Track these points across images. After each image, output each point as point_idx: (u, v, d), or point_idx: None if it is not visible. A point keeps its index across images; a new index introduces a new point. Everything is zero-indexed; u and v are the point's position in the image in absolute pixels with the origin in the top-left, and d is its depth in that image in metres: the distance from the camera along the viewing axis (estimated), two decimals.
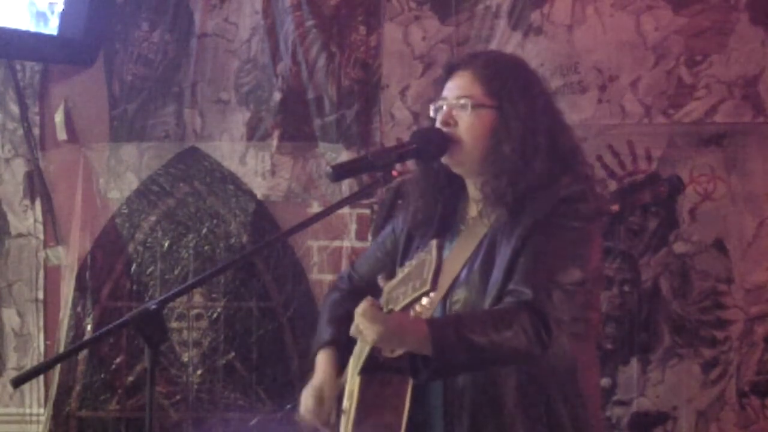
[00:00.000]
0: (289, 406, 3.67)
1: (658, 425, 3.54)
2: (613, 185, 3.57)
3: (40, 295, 4.04)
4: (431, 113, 2.47)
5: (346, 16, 3.79)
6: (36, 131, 4.04)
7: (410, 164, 2.60)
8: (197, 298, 3.92)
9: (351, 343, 2.40)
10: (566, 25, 3.63)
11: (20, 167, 4.06)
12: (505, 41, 3.64)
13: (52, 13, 3.89)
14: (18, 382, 2.18)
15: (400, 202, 3.52)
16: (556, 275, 2.25)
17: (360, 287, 2.58)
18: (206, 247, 3.92)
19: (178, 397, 3.90)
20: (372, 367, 2.27)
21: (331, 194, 3.79)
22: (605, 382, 3.51)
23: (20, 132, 4.04)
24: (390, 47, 3.77)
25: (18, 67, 4.03)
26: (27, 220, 4.06)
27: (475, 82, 2.40)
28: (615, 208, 3.53)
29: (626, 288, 3.57)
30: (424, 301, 2.02)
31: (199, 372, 3.89)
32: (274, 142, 3.86)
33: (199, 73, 3.93)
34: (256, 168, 3.89)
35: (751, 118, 3.51)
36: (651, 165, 3.57)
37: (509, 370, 2.30)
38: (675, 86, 3.56)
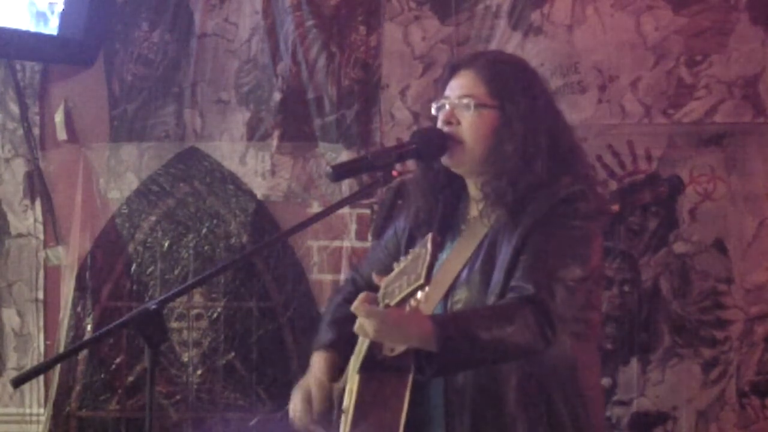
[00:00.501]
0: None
1: (658, 425, 3.54)
2: (613, 185, 3.57)
3: (40, 295, 4.04)
4: (433, 112, 2.48)
5: (346, 16, 3.79)
6: (36, 131, 4.04)
7: (410, 164, 2.61)
8: (197, 298, 3.92)
9: (352, 345, 2.40)
10: (566, 25, 3.63)
11: (20, 167, 4.06)
12: (505, 41, 3.64)
13: (52, 13, 3.89)
14: (18, 382, 2.18)
15: (400, 202, 3.53)
16: (558, 272, 2.25)
17: (363, 290, 2.58)
18: (206, 247, 3.92)
19: (178, 397, 3.90)
20: (370, 366, 2.27)
21: (331, 194, 3.79)
22: (605, 382, 3.50)
23: (20, 132, 4.04)
24: (390, 47, 3.77)
25: (18, 67, 4.02)
26: (27, 220, 4.06)
27: (477, 82, 2.41)
28: (615, 208, 3.53)
29: (626, 288, 3.57)
30: (419, 295, 2.01)
31: (199, 372, 3.89)
32: (274, 142, 3.86)
33: (199, 73, 3.93)
34: (256, 168, 3.89)
35: (751, 118, 3.51)
36: (651, 165, 3.57)
37: (510, 369, 2.31)
38: (675, 86, 3.56)
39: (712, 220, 3.53)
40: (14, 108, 4.04)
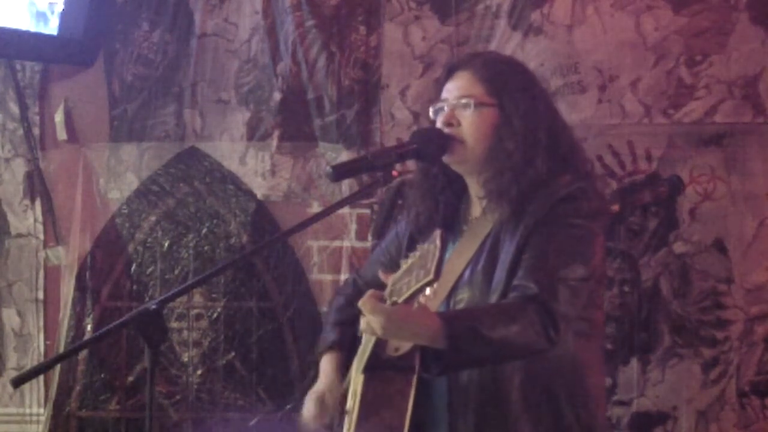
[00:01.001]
0: (289, 406, 3.67)
1: (658, 425, 3.54)
2: (613, 185, 3.57)
3: (40, 295, 4.04)
4: (431, 115, 2.48)
5: (346, 16, 3.79)
6: (36, 131, 4.04)
7: (410, 164, 2.61)
8: (197, 298, 3.92)
9: (356, 345, 2.39)
10: (566, 25, 3.63)
11: (20, 167, 4.06)
12: (505, 41, 3.64)
13: (52, 13, 3.89)
14: (18, 382, 2.18)
15: (400, 202, 3.53)
16: (560, 271, 2.26)
17: (365, 292, 2.58)
18: (206, 247, 3.92)
19: (178, 397, 3.90)
20: (375, 365, 2.26)
21: (331, 194, 3.79)
22: (605, 382, 3.50)
23: (20, 132, 4.04)
24: (390, 47, 3.77)
25: (18, 67, 4.02)
26: (27, 220, 4.06)
27: (475, 82, 2.42)
28: (615, 208, 3.53)
29: (626, 288, 3.57)
30: (428, 291, 2.00)
31: (199, 372, 3.89)
32: (274, 142, 3.86)
33: (199, 73, 3.93)
34: (256, 168, 3.89)
35: (751, 118, 3.51)
36: (651, 165, 3.57)
37: (513, 369, 2.31)
38: (675, 86, 3.56)
39: (712, 220, 3.53)
40: (14, 108, 4.04)
